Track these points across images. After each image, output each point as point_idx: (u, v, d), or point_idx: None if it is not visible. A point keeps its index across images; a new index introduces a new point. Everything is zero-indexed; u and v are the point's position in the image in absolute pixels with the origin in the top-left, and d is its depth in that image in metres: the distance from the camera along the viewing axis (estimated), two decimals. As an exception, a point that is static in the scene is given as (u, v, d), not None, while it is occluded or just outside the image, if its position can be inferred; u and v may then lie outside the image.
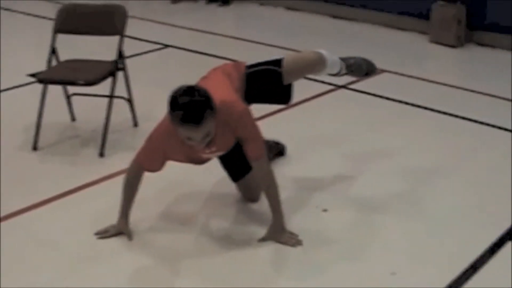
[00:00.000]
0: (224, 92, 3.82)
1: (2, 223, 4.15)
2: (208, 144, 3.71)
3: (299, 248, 3.85)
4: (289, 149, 4.98)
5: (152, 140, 3.89)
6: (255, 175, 4.01)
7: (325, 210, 4.23)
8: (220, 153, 4.03)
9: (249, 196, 4.35)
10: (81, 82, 4.93)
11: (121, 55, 5.22)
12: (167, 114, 3.63)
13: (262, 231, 3.97)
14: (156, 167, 3.94)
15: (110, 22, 5.27)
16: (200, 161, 4.05)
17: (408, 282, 3.60)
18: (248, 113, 3.83)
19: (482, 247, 3.87)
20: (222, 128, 3.72)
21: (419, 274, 3.67)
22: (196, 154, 3.89)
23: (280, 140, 4.94)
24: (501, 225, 4.10)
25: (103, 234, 4.00)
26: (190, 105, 3.46)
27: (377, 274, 3.68)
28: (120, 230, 4.00)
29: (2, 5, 9.59)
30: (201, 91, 3.55)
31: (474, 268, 3.70)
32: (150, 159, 3.92)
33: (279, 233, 3.93)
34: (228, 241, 3.98)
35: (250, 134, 3.81)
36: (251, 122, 3.84)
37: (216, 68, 4.25)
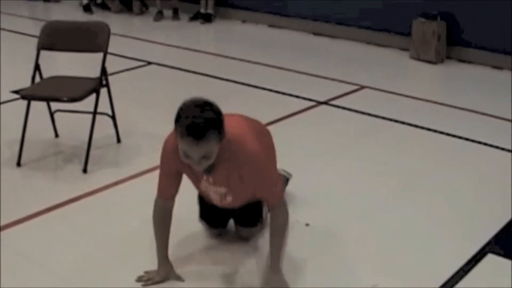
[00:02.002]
0: (244, 132, 3.55)
1: (-15, 238, 4.17)
2: (208, 171, 3.50)
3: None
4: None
5: (161, 162, 3.64)
6: (270, 221, 3.63)
7: (307, 225, 4.27)
8: (227, 201, 3.78)
9: (243, 237, 4.15)
10: (65, 99, 4.95)
11: (104, 72, 5.25)
12: (171, 136, 3.52)
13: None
14: (172, 191, 3.67)
15: (93, 39, 5.29)
16: (205, 192, 3.82)
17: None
18: (266, 160, 3.56)
19: (462, 260, 3.93)
20: (226, 164, 3.47)
21: (402, 285, 3.72)
22: (196, 177, 3.67)
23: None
24: (480, 238, 4.16)
25: (146, 282, 3.71)
26: (197, 118, 3.21)
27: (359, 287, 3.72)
28: (166, 276, 3.74)
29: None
30: (215, 110, 3.29)
31: (455, 280, 3.76)
32: (164, 186, 3.67)
33: (274, 281, 3.63)
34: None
35: (265, 182, 3.55)
36: (268, 168, 3.59)
37: (255, 121, 3.95)
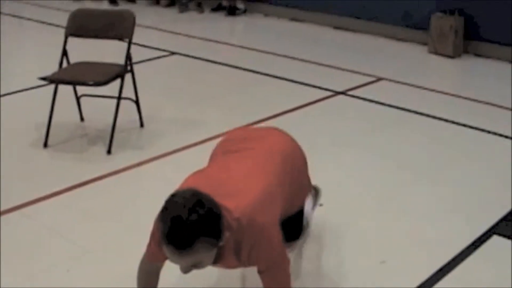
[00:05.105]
0: (257, 202, 2.86)
1: (14, 213, 4.39)
2: (214, 262, 2.84)
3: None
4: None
5: (153, 230, 2.93)
6: None
7: (321, 205, 4.43)
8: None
9: None
10: (91, 83, 5.14)
11: (129, 58, 5.44)
12: None
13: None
14: (163, 258, 2.89)
15: (119, 26, 5.48)
16: None
17: (397, 270, 3.83)
18: (278, 239, 2.95)
19: (468, 241, 4.10)
20: (236, 246, 2.82)
21: (408, 262, 3.89)
22: None
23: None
24: (487, 221, 4.33)
25: None
26: (180, 225, 2.54)
27: (367, 262, 3.90)
28: None
29: (11, 12, 9.87)
30: (208, 209, 2.60)
31: (460, 258, 3.93)
32: (154, 251, 2.96)
33: None
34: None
35: (273, 264, 2.93)
36: (280, 250, 2.95)
37: (278, 146, 3.32)
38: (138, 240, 3.40)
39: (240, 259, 2.87)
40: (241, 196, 2.84)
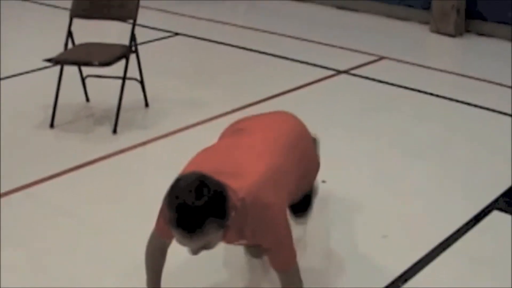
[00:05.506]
0: (261, 182, 2.91)
1: (22, 192, 4.46)
2: None
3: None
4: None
5: (162, 207, 2.87)
6: (280, 282, 3.08)
7: (323, 181, 4.50)
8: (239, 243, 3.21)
9: (254, 256, 3.77)
10: (96, 63, 5.18)
11: (133, 38, 5.50)
12: None
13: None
14: (167, 235, 2.95)
15: (123, 7, 5.53)
16: None
17: (399, 244, 3.91)
18: (282, 218, 2.99)
19: (468, 216, 4.18)
20: (240, 225, 2.87)
21: (409, 237, 3.98)
22: None
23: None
24: (487, 197, 4.40)
25: None
26: (188, 209, 2.60)
27: (369, 236, 3.98)
28: None
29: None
30: (214, 190, 2.65)
31: (461, 232, 4.01)
32: (164, 226, 2.87)
33: None
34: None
35: (277, 243, 2.97)
36: (283, 230, 2.99)
37: (281, 125, 3.41)
38: (143, 219, 3.47)
39: (244, 237, 2.93)
40: (246, 176, 2.88)
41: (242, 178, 2.86)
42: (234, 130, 3.40)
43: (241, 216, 2.80)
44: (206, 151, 3.19)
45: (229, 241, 3.03)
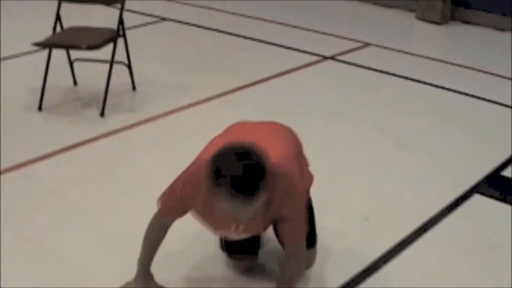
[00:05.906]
0: (288, 154, 3.08)
1: (10, 173, 4.51)
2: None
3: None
4: (275, 118, 5.17)
5: (174, 189, 3.06)
6: (287, 254, 3.20)
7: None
8: (249, 235, 3.27)
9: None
10: (84, 46, 5.22)
11: (121, 22, 5.54)
12: (196, 170, 2.97)
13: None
14: (178, 215, 3.14)
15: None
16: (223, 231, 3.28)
17: (380, 226, 3.98)
18: (303, 191, 3.14)
19: (450, 199, 4.26)
20: (269, 193, 2.87)
21: (391, 219, 4.06)
22: (220, 225, 3.14)
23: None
24: (469, 181, 4.48)
25: None
26: (245, 175, 2.66)
27: (351, 219, 4.06)
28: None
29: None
30: (258, 155, 2.73)
31: (441, 214, 4.09)
32: (173, 205, 3.10)
33: None
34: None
35: (299, 212, 3.08)
36: (304, 201, 3.12)
37: (286, 130, 3.44)
38: (130, 198, 3.54)
39: (270, 208, 2.97)
40: (273, 148, 2.94)
41: (270, 149, 2.89)
42: (237, 127, 3.40)
43: (270, 183, 2.80)
44: (221, 136, 3.23)
45: (249, 229, 3.11)
